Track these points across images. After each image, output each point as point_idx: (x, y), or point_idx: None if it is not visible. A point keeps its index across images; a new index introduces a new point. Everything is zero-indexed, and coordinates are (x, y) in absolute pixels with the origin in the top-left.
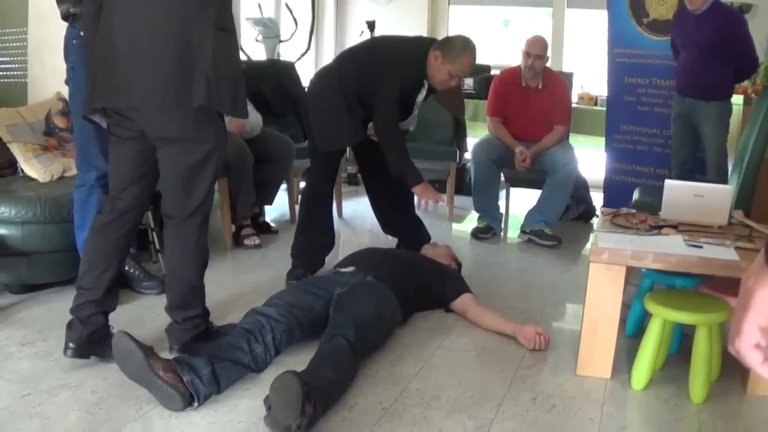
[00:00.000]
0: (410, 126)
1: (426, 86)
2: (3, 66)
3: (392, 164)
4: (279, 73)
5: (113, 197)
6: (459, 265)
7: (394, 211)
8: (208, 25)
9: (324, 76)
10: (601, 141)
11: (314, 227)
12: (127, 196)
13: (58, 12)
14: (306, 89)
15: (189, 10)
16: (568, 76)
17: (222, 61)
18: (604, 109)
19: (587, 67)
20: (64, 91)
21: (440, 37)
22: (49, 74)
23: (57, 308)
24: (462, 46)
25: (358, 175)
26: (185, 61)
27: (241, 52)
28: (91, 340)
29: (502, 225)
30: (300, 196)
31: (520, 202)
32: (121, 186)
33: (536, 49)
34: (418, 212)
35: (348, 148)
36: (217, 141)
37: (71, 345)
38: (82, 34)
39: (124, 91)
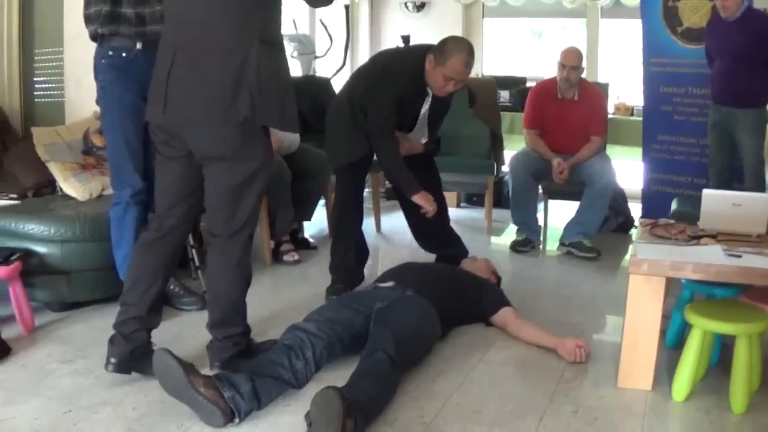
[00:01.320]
0: (420, 139)
1: (430, 96)
2: (40, 86)
3: (386, 174)
4: (315, 89)
5: (160, 215)
6: (498, 278)
7: (430, 227)
8: (253, 40)
9: (340, 92)
10: (638, 151)
11: (345, 243)
12: (175, 214)
13: None
14: None
15: (236, 26)
16: (604, 87)
17: (267, 74)
18: (641, 119)
19: (623, 77)
20: None
21: (475, 49)
22: (85, 93)
23: (97, 326)
24: (453, 47)
25: None
26: (231, 77)
27: None
28: (133, 356)
29: (541, 237)
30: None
31: (558, 215)
32: (168, 205)
33: (571, 61)
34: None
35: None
36: (264, 159)
37: (113, 360)
38: (110, 53)
39: (172, 108)
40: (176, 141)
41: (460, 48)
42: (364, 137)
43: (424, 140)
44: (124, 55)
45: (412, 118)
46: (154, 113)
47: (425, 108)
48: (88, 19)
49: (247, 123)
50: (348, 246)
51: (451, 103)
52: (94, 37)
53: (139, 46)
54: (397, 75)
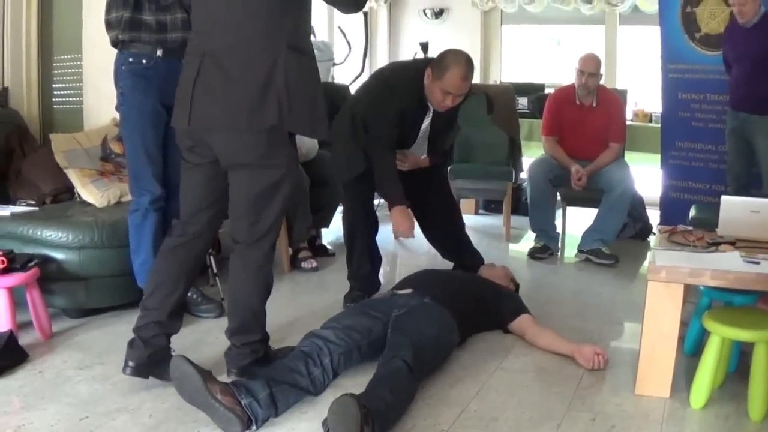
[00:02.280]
0: (421, 155)
1: (431, 111)
2: (59, 92)
3: (377, 183)
4: (333, 96)
5: (185, 222)
6: (516, 285)
7: (443, 234)
8: (280, 46)
9: (343, 108)
10: (656, 158)
11: (359, 253)
12: (199, 220)
13: None
14: None
15: (263, 32)
16: (622, 93)
17: (295, 80)
18: (659, 125)
19: (641, 83)
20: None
21: (493, 57)
22: (104, 100)
23: (114, 332)
24: (450, 61)
25: None
26: (258, 83)
27: None
28: (151, 361)
29: (559, 244)
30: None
31: (576, 222)
32: (193, 211)
33: (590, 67)
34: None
35: None
36: (289, 167)
37: (131, 363)
38: (130, 60)
39: (198, 114)
40: (202, 148)
41: (458, 62)
42: (363, 153)
43: (423, 156)
44: (144, 62)
45: (413, 133)
46: (180, 119)
47: (426, 123)
48: (109, 25)
49: (273, 130)
50: (361, 256)
51: (455, 121)
52: (114, 44)
53: (159, 53)
54: (399, 89)
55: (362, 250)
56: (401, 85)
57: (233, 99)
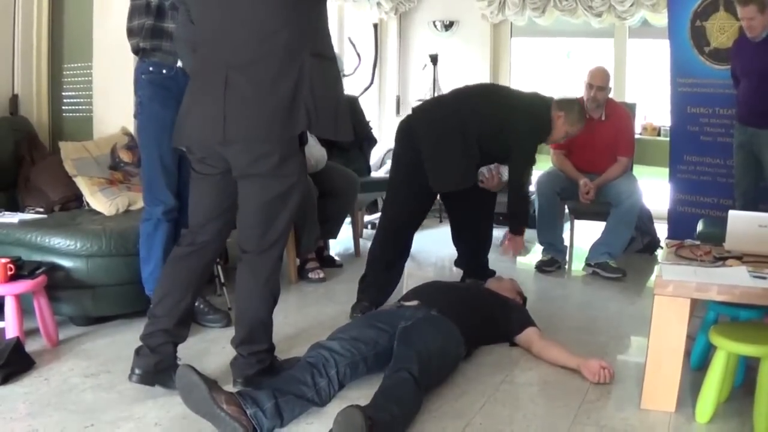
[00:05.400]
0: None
1: None
2: (69, 101)
3: (514, 215)
4: None
5: (194, 231)
6: (524, 298)
7: (467, 244)
8: (305, 55)
9: (442, 118)
10: (664, 172)
11: (386, 267)
12: (208, 230)
13: (122, 47)
14: (411, 125)
15: (287, 43)
16: (631, 107)
17: (319, 86)
18: (668, 139)
19: (650, 97)
20: (129, 125)
21: (502, 70)
22: (114, 108)
23: (121, 340)
24: (580, 113)
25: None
26: (288, 93)
27: None
28: (157, 369)
29: (567, 258)
30: (375, 231)
31: (584, 235)
32: (202, 221)
33: (599, 81)
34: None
35: None
36: (299, 176)
37: (137, 371)
38: (151, 69)
39: (234, 127)
40: (214, 159)
41: (582, 120)
42: (474, 168)
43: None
44: (164, 71)
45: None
46: (213, 132)
47: None
48: (131, 33)
49: (289, 140)
50: (391, 270)
51: None
52: (136, 51)
53: (180, 63)
54: (542, 127)
55: (396, 263)
56: (543, 123)
57: (266, 110)
